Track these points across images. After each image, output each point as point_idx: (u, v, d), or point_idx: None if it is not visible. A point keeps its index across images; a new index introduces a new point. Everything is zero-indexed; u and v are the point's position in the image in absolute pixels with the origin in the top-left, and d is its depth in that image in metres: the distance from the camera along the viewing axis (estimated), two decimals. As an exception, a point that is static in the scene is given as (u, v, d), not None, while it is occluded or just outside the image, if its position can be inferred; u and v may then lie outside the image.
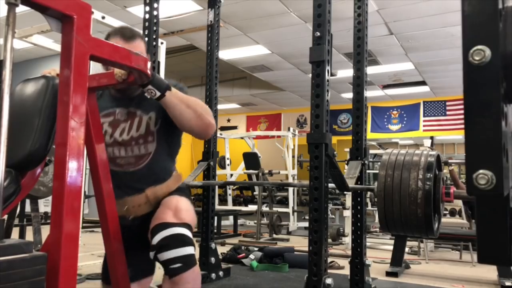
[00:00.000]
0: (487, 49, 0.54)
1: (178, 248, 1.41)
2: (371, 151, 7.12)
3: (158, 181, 1.66)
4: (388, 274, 3.56)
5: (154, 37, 2.57)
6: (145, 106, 1.67)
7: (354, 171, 2.44)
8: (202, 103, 1.64)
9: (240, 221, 6.78)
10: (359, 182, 2.48)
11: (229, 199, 8.25)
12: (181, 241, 1.43)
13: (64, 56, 1.09)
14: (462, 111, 0.75)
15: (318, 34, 1.84)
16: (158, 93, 1.49)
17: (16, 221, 3.65)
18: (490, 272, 3.66)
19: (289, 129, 7.46)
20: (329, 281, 1.78)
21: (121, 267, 1.48)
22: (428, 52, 7.44)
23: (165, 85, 1.50)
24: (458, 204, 5.04)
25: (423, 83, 9.42)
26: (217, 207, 5.47)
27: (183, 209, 1.54)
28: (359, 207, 2.47)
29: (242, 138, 8.76)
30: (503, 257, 0.59)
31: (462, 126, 0.55)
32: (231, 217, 6.49)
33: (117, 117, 1.68)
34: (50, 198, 4.02)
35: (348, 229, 4.80)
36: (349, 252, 2.85)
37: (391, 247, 3.86)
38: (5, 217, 1.49)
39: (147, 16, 2.55)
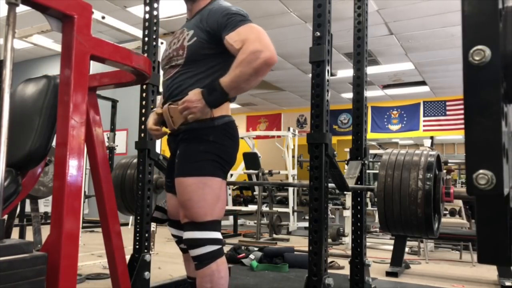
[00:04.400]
0: (487, 49, 0.54)
1: (192, 249, 1.57)
2: (371, 151, 7.12)
3: (182, 97, 1.62)
4: (388, 274, 3.56)
5: (154, 37, 2.57)
6: (194, 23, 1.70)
7: (354, 171, 2.44)
8: (246, 50, 1.48)
9: (240, 221, 6.78)
10: (359, 182, 2.47)
11: (229, 199, 8.25)
12: (191, 245, 1.57)
13: (64, 55, 1.09)
14: (462, 111, 0.75)
15: (318, 34, 1.84)
16: (221, 102, 1.55)
17: (16, 221, 3.65)
18: (490, 272, 3.66)
19: (289, 129, 7.45)
20: (329, 281, 1.78)
21: (121, 265, 1.48)
22: (428, 52, 7.44)
23: (216, 99, 1.52)
24: (458, 204, 5.04)
25: (423, 83, 9.42)
26: (217, 207, 5.45)
27: (194, 204, 1.56)
28: (359, 207, 2.47)
29: (242, 138, 8.75)
30: (503, 257, 0.59)
31: (462, 126, 0.55)
32: (231, 217, 6.48)
33: (177, 34, 1.75)
34: (50, 198, 4.02)
35: (348, 229, 4.79)
36: (349, 252, 2.85)
37: (391, 247, 3.86)
38: (5, 217, 1.49)
39: (147, 16, 2.55)
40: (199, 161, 1.58)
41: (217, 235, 1.59)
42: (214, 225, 1.59)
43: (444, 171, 2.28)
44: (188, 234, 1.58)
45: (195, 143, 1.60)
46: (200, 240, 1.55)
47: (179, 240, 1.82)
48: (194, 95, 1.52)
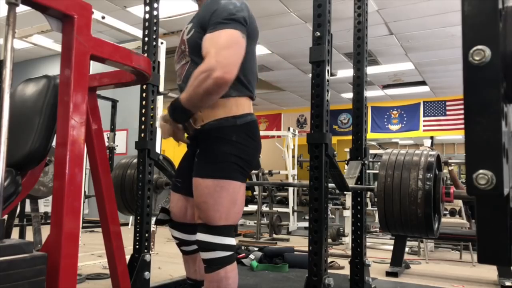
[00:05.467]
0: (487, 49, 0.54)
1: (203, 252, 1.55)
2: (371, 151, 7.11)
3: None
4: (388, 274, 3.56)
5: (154, 37, 2.57)
6: (194, 16, 1.68)
7: (354, 171, 2.43)
8: (201, 67, 1.43)
9: (240, 221, 6.77)
10: (359, 182, 2.47)
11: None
12: (203, 248, 1.55)
13: (64, 56, 1.09)
14: (462, 111, 0.75)
15: (318, 34, 1.84)
16: (186, 118, 1.55)
17: (16, 221, 3.64)
18: (490, 272, 3.66)
19: (289, 129, 7.45)
20: (329, 281, 1.78)
21: (121, 265, 1.48)
22: (428, 52, 7.44)
23: (179, 116, 1.54)
24: (458, 204, 5.04)
25: (423, 83, 9.42)
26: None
27: (209, 207, 1.52)
28: (359, 207, 2.47)
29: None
30: (503, 257, 0.59)
31: (462, 126, 0.55)
32: (231, 217, 6.47)
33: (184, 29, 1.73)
34: (50, 198, 4.01)
35: (348, 229, 4.80)
36: (349, 252, 2.85)
37: (391, 247, 3.86)
38: (5, 217, 1.49)
39: (147, 16, 2.55)
40: (219, 163, 1.54)
41: (230, 240, 1.55)
42: (227, 230, 1.55)
43: (445, 170, 2.28)
44: (201, 236, 1.54)
45: (217, 143, 1.55)
46: (212, 245, 1.52)
47: (180, 242, 1.79)
48: (165, 115, 1.54)
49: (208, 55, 1.42)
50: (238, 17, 1.50)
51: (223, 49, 1.42)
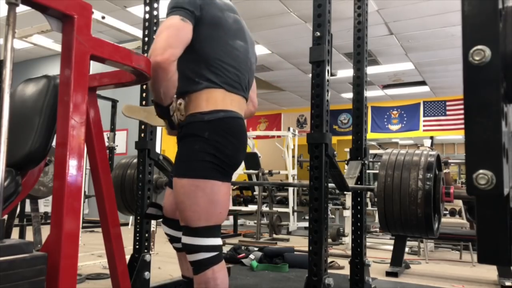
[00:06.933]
0: (487, 49, 0.54)
1: (189, 254, 1.52)
2: (371, 151, 7.12)
3: (180, 90, 1.56)
4: (388, 274, 3.56)
5: (154, 37, 2.57)
6: None
7: (354, 171, 2.44)
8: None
9: (240, 221, 6.78)
10: (359, 182, 2.47)
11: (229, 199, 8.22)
12: (187, 250, 1.52)
13: (64, 56, 1.09)
14: (462, 111, 0.75)
15: (318, 34, 1.84)
16: (163, 112, 1.55)
17: (16, 221, 3.65)
18: (490, 272, 3.66)
19: (289, 129, 7.45)
20: (329, 281, 1.78)
21: (121, 265, 1.48)
22: (428, 52, 7.44)
23: (159, 111, 1.55)
24: (458, 204, 5.04)
25: (423, 83, 9.43)
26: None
27: (186, 208, 1.49)
28: (359, 207, 2.47)
29: (242, 138, 8.73)
30: (503, 257, 0.59)
31: (462, 126, 0.55)
32: (231, 217, 6.48)
33: None
34: (50, 198, 4.02)
35: (348, 229, 4.80)
36: (349, 252, 2.85)
37: (391, 247, 3.86)
38: (5, 217, 1.49)
39: (147, 16, 2.56)
40: (192, 161, 1.49)
41: (213, 241, 1.50)
42: (209, 231, 1.50)
43: (445, 171, 2.28)
44: (184, 239, 1.52)
45: (190, 141, 1.51)
46: (194, 247, 1.49)
47: (171, 239, 1.78)
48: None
49: (153, 45, 1.47)
50: (179, 4, 1.52)
51: (157, 37, 1.46)
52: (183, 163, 1.52)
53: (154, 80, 1.42)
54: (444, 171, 5.47)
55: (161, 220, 1.82)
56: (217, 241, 1.53)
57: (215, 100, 1.53)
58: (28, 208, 3.67)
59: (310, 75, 1.86)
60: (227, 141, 1.51)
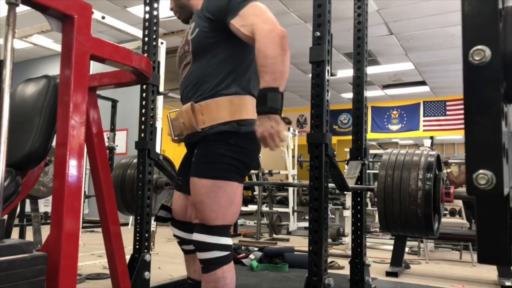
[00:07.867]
0: (487, 49, 0.54)
1: (199, 252, 1.55)
2: (371, 151, 7.11)
3: (199, 95, 1.57)
4: (388, 274, 3.56)
5: (154, 37, 2.57)
6: (196, 14, 1.68)
7: (354, 171, 2.43)
8: (260, 38, 1.43)
9: (240, 221, 6.77)
10: (359, 182, 2.47)
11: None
12: (199, 248, 1.55)
13: (64, 56, 1.09)
14: (462, 111, 0.75)
15: (318, 34, 1.84)
16: (280, 102, 1.43)
17: (16, 221, 3.64)
18: (490, 272, 3.66)
19: (289, 129, 7.45)
20: (329, 281, 1.78)
21: (121, 265, 1.48)
22: (428, 52, 7.44)
23: (276, 103, 1.40)
24: (458, 204, 5.04)
25: (423, 83, 9.43)
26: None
27: (206, 207, 1.52)
28: (359, 207, 2.47)
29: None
30: (503, 257, 0.59)
31: (462, 126, 0.55)
32: (231, 217, 6.48)
33: (185, 30, 1.73)
34: (50, 198, 4.02)
35: (348, 229, 4.79)
36: (349, 252, 2.85)
37: (391, 247, 3.86)
38: (5, 217, 1.49)
39: (147, 16, 2.55)
40: (215, 163, 1.53)
41: (226, 240, 1.54)
42: (224, 230, 1.55)
43: (444, 170, 2.29)
44: (197, 236, 1.54)
45: (214, 144, 1.54)
46: (208, 245, 1.52)
47: (181, 241, 1.80)
48: (263, 124, 1.39)
49: (256, 27, 1.44)
50: None
51: (265, 16, 1.46)
52: (206, 165, 1.54)
53: (284, 47, 1.42)
54: (448, 170, 5.48)
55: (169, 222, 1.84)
56: (229, 240, 1.57)
57: (246, 105, 1.56)
58: (28, 208, 3.67)
59: (310, 75, 1.85)
60: (249, 147, 1.57)
